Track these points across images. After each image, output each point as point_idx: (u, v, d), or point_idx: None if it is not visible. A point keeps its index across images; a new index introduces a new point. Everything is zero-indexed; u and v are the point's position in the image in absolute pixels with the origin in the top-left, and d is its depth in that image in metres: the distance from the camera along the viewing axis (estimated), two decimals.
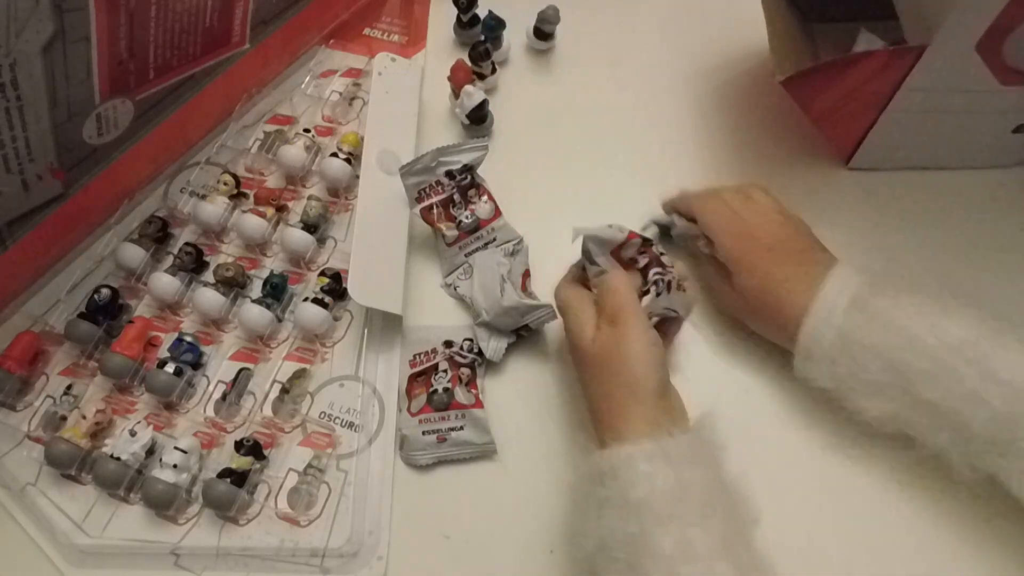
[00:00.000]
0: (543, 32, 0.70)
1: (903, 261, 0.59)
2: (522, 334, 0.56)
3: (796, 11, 0.63)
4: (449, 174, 0.59)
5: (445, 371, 0.54)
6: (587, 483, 0.43)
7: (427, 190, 0.59)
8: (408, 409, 0.54)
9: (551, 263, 0.59)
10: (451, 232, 0.59)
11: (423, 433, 0.53)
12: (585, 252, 0.51)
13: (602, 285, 0.49)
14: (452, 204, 0.59)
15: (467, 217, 0.59)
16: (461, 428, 0.53)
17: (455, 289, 0.59)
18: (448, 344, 0.56)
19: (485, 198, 0.60)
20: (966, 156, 0.61)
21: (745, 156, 0.65)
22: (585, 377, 0.48)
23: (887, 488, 0.51)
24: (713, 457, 0.43)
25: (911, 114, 0.56)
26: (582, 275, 0.52)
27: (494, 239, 0.60)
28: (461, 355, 0.55)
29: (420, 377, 0.55)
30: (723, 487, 0.42)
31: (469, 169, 0.59)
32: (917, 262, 0.59)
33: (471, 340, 0.56)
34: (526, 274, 0.58)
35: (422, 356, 0.56)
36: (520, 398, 0.55)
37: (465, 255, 0.60)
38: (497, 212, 0.60)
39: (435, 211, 0.59)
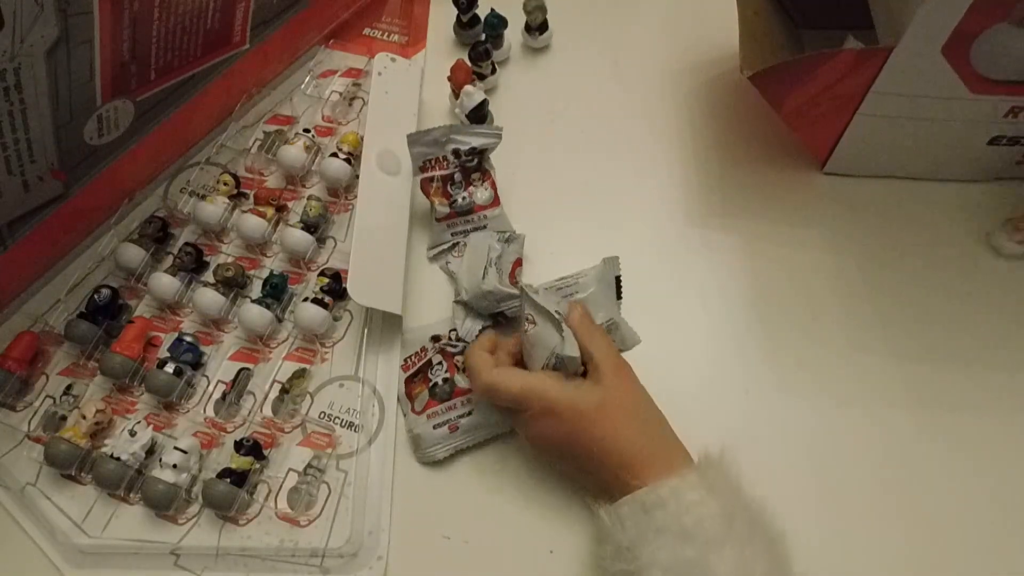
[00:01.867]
0: (531, 26, 0.70)
1: (871, 269, 0.59)
2: (499, 320, 0.56)
3: (784, 17, 0.63)
4: (456, 152, 0.59)
5: (440, 363, 0.54)
6: (637, 514, 0.43)
7: (432, 162, 0.60)
8: (413, 409, 0.54)
9: (545, 262, 0.60)
10: (442, 208, 0.60)
11: (434, 427, 0.53)
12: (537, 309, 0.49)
13: (598, 340, 0.48)
14: (451, 182, 0.60)
15: (463, 198, 0.59)
16: (470, 413, 0.53)
17: (447, 265, 0.60)
18: (436, 339, 0.56)
19: (487, 184, 0.60)
20: (943, 167, 0.60)
21: (724, 156, 0.65)
22: (593, 431, 0.46)
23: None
24: (739, 482, 0.44)
25: (883, 119, 0.55)
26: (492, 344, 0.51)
27: (484, 226, 0.60)
28: (451, 344, 0.55)
29: (416, 377, 0.55)
30: (758, 510, 0.44)
31: (478, 152, 0.60)
32: (885, 273, 0.59)
33: (456, 329, 0.56)
34: (517, 263, 0.58)
35: (412, 358, 0.56)
36: None
37: (451, 234, 0.60)
38: (496, 201, 0.60)
39: (434, 184, 0.60)
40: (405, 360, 0.56)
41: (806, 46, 0.65)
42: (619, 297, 0.55)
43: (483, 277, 0.55)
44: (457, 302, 0.57)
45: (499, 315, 0.56)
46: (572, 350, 0.47)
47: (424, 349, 0.56)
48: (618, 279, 0.55)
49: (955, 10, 0.46)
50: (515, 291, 0.55)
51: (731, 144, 0.65)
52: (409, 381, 0.55)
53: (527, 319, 0.49)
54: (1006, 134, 0.56)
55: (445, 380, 0.53)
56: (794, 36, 0.65)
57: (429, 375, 0.54)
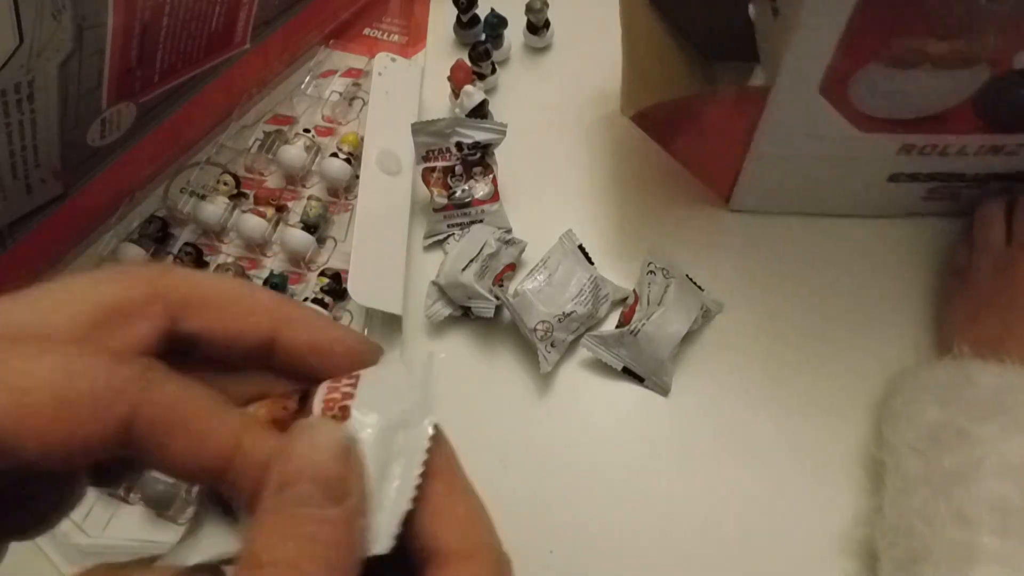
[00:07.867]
0: (533, 25, 0.70)
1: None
2: (468, 314, 0.56)
3: (694, 50, 0.61)
4: (459, 145, 0.60)
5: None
6: None
7: (435, 153, 0.60)
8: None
9: (536, 262, 0.59)
10: (440, 199, 0.60)
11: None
12: None
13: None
14: (452, 174, 0.60)
15: (462, 191, 0.60)
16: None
17: (446, 246, 0.61)
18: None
19: (489, 179, 0.61)
20: (851, 204, 0.58)
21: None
22: None
23: None
24: None
25: (778, 158, 0.54)
26: None
27: (481, 220, 0.61)
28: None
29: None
30: None
31: (481, 147, 0.60)
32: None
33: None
34: (509, 267, 0.59)
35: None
36: (518, 399, 0.55)
37: (447, 225, 0.61)
38: (496, 197, 0.61)
39: (435, 175, 0.61)
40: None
41: (718, 79, 0.63)
42: (591, 263, 0.59)
43: (463, 268, 0.55)
44: (434, 283, 0.57)
45: (468, 309, 0.56)
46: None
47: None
48: (581, 247, 0.59)
49: (823, 51, 0.44)
50: (487, 294, 0.55)
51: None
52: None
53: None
54: (904, 171, 0.53)
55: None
56: (704, 69, 0.63)
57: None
